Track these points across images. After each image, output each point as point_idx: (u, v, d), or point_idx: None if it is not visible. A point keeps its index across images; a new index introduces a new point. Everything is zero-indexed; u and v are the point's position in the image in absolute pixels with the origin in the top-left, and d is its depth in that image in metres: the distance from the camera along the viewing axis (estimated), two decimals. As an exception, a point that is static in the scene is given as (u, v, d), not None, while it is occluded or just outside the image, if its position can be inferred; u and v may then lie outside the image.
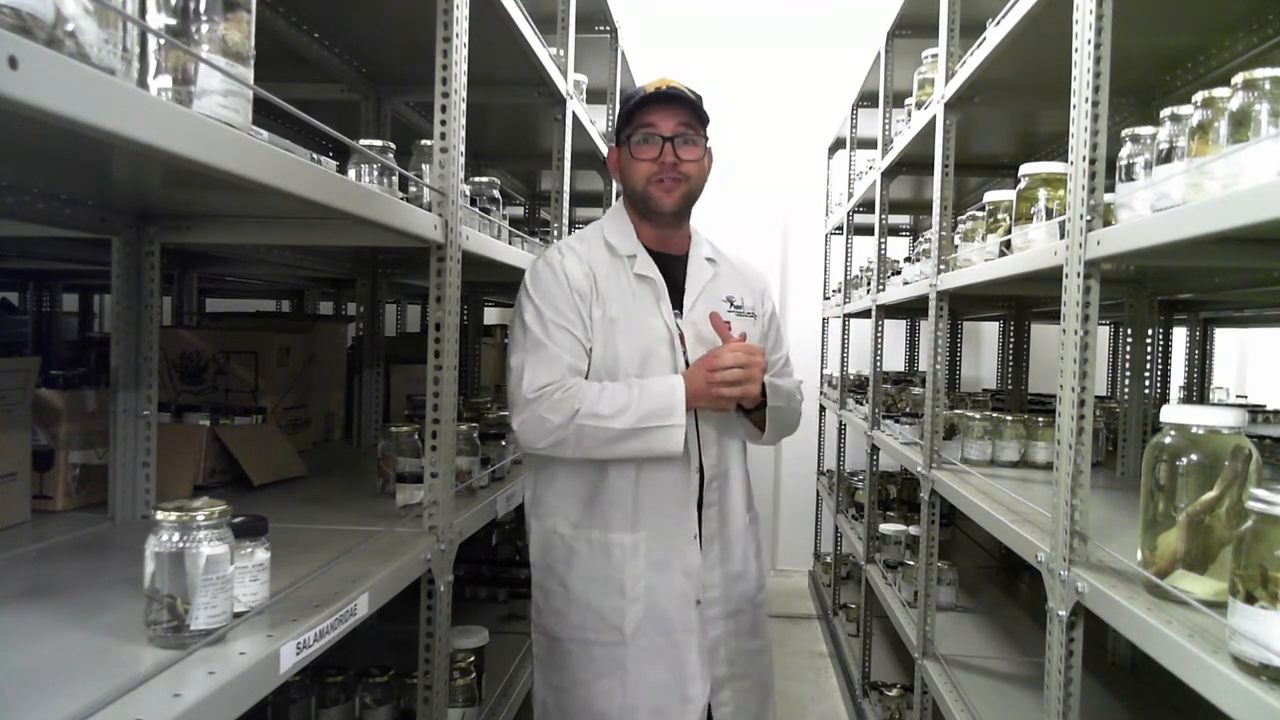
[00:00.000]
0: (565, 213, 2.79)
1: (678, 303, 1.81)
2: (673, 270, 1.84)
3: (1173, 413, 1.23)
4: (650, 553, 1.73)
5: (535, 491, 1.84)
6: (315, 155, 1.25)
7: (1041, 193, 1.93)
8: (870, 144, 4.08)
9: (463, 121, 1.69)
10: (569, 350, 1.71)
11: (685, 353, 1.78)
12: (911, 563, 3.03)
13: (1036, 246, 1.85)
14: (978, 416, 2.63)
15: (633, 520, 1.74)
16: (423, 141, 1.88)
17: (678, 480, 1.75)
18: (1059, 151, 3.12)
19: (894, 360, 5.47)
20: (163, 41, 0.90)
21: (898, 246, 5.27)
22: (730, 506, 1.83)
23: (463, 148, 1.71)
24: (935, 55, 2.78)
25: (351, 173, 1.64)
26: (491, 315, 5.01)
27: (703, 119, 1.79)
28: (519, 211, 5.03)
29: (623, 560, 1.73)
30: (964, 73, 2.26)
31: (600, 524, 1.75)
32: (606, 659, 1.74)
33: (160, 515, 0.99)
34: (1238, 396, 4.44)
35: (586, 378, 1.73)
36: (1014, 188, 2.02)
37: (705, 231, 1.96)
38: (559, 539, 1.78)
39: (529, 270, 1.81)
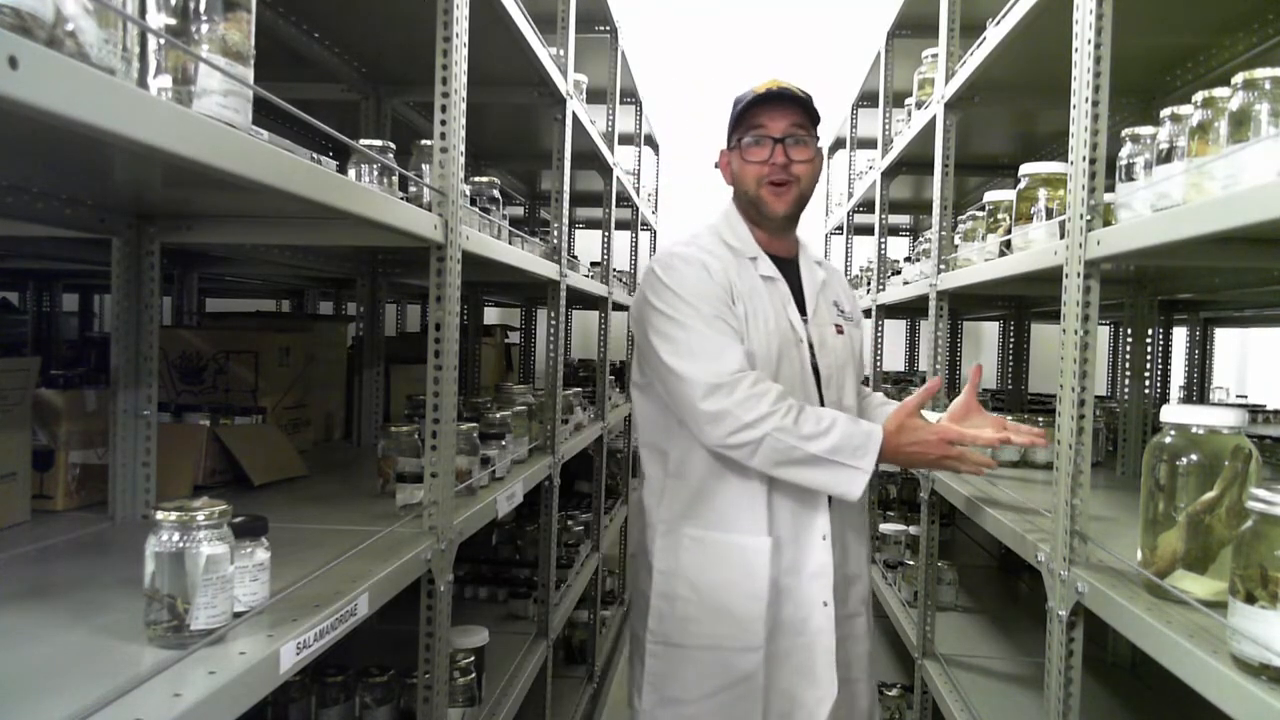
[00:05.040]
0: (565, 213, 2.79)
1: (798, 306, 1.79)
2: (785, 273, 1.82)
3: (1173, 413, 1.23)
4: (782, 556, 1.70)
5: (662, 493, 1.78)
6: (315, 155, 1.25)
7: (1041, 193, 1.93)
8: (870, 144, 4.09)
9: (463, 121, 1.69)
10: (736, 340, 1.66)
11: (814, 357, 1.76)
12: (911, 563, 3.03)
13: (1036, 246, 1.84)
14: (978, 416, 2.63)
15: (766, 523, 1.69)
16: (423, 141, 1.88)
17: None
18: (1059, 151, 3.12)
19: (894, 360, 5.46)
20: (163, 41, 0.90)
21: (898, 246, 5.27)
22: (849, 507, 1.77)
23: (463, 148, 1.71)
24: (935, 55, 2.79)
25: (351, 173, 1.64)
26: (491, 315, 5.00)
27: (814, 119, 1.77)
28: (519, 211, 5.04)
29: (756, 564, 1.68)
30: (964, 73, 2.26)
31: (732, 527, 1.70)
32: (737, 664, 1.69)
33: (160, 515, 0.98)
34: (1238, 396, 4.43)
35: None
36: (1014, 188, 2.02)
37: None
38: (690, 542, 1.72)
39: (663, 272, 1.72)
